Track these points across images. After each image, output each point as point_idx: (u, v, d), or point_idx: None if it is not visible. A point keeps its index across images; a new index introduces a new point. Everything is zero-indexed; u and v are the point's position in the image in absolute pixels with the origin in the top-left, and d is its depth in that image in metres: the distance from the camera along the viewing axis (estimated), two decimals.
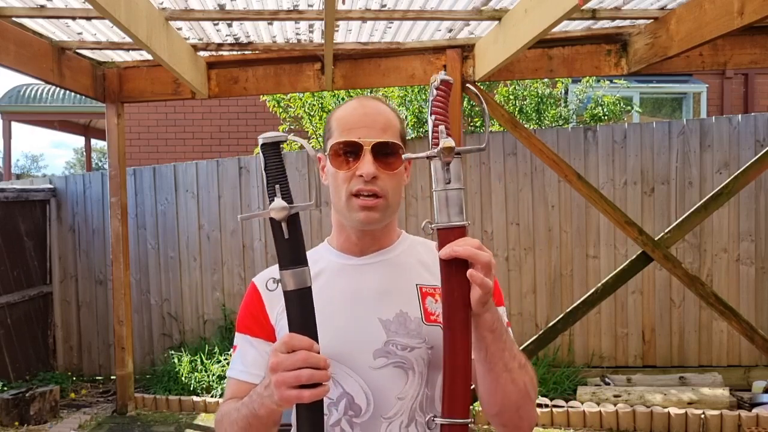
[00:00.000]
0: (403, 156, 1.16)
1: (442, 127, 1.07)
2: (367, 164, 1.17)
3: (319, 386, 1.00)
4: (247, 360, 1.26)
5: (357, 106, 1.24)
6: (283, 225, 1.03)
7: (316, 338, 1.04)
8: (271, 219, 1.03)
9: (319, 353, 1.02)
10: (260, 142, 1.03)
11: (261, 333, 1.26)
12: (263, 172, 1.03)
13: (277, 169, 1.03)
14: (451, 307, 1.07)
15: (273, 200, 1.02)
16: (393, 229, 1.30)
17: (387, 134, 1.20)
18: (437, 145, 1.07)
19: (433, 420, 1.10)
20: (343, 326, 1.19)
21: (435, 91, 1.08)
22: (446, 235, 1.07)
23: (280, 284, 1.05)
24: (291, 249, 1.04)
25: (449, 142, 1.07)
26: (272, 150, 1.03)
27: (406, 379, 1.17)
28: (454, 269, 1.05)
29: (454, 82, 1.12)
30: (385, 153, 1.19)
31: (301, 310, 1.05)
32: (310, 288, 1.05)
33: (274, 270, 1.30)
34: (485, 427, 4.48)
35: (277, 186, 1.02)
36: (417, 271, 1.26)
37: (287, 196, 1.03)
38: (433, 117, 1.08)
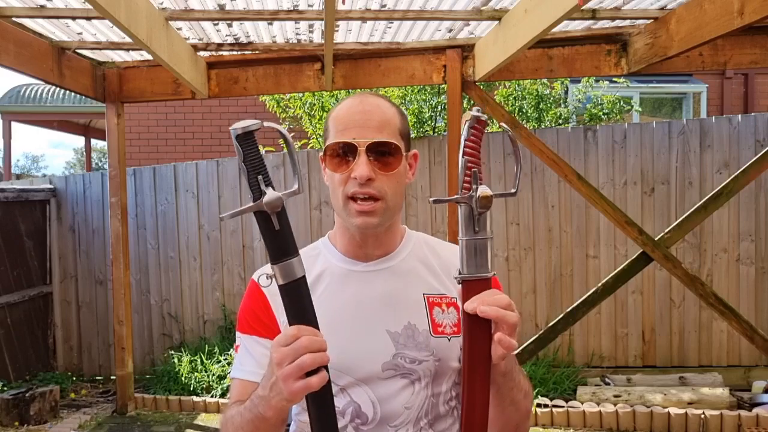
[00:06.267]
0: (430, 199, 1.10)
1: (475, 171, 1.03)
2: (361, 166, 1.12)
3: (322, 370, 0.98)
4: (255, 359, 1.20)
5: (353, 104, 1.19)
6: (273, 217, 0.98)
7: (317, 326, 1.01)
8: (259, 212, 0.98)
9: (324, 342, 0.99)
10: (233, 134, 0.95)
11: (266, 333, 1.20)
12: (242, 164, 0.96)
13: (256, 160, 0.96)
14: (472, 362, 1.05)
15: (260, 193, 0.96)
16: (396, 229, 1.26)
17: (384, 133, 1.14)
18: (468, 189, 1.03)
19: None
20: (350, 337, 1.17)
21: (468, 130, 1.03)
22: (472, 286, 1.04)
23: (273, 279, 1.01)
24: (284, 241, 0.99)
25: (486, 191, 1.02)
26: (248, 140, 0.96)
27: (413, 390, 1.16)
28: (477, 324, 1.03)
29: (488, 119, 1.07)
30: (381, 153, 1.14)
31: (300, 302, 1.01)
32: (304, 277, 1.01)
33: None
34: None
35: (260, 177, 0.96)
36: (422, 277, 1.23)
37: (270, 186, 0.97)
38: (465, 159, 1.03)
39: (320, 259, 1.25)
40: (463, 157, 1.03)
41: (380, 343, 1.16)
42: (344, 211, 1.17)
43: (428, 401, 1.17)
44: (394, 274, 1.22)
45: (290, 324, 1.01)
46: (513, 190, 1.08)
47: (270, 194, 0.96)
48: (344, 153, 1.15)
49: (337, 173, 1.16)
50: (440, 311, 1.19)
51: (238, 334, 1.25)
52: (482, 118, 1.03)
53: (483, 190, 1.02)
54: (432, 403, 1.18)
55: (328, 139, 1.18)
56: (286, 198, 0.98)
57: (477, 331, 1.03)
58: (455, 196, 1.04)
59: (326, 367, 0.99)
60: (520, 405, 1.15)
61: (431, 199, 1.10)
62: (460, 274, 1.06)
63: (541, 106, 6.65)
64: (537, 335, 4.42)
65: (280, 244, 0.99)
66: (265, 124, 0.98)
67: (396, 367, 1.16)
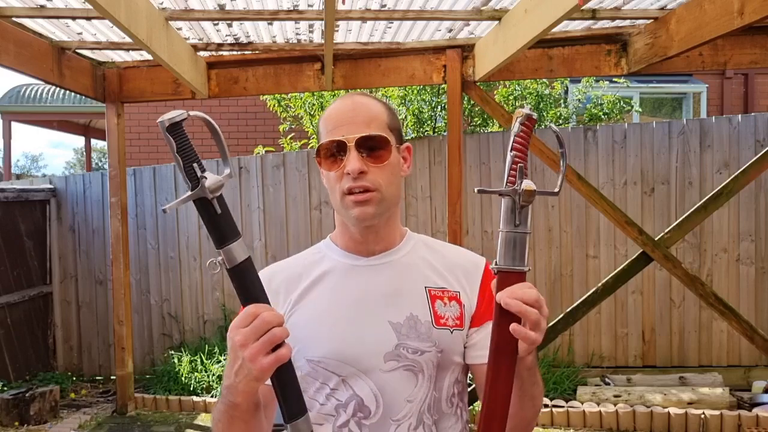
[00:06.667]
0: (476, 189, 1.14)
1: (521, 166, 1.06)
2: (352, 161, 1.16)
3: (285, 342, 0.99)
4: None
5: (341, 104, 1.23)
6: (214, 202, 0.98)
7: (268, 303, 1.03)
8: (200, 200, 0.98)
9: (282, 316, 1.01)
10: (161, 126, 0.96)
11: None
12: (175, 155, 0.97)
13: (188, 149, 0.97)
14: (498, 353, 1.06)
15: (198, 180, 0.97)
16: (396, 226, 1.28)
17: (371, 127, 1.18)
18: (513, 183, 1.06)
19: None
20: (352, 329, 1.18)
21: (519, 126, 1.07)
22: (505, 278, 1.07)
23: (221, 264, 1.01)
24: (226, 224, 1.00)
25: (530, 185, 1.05)
26: (177, 131, 0.97)
27: (415, 382, 1.17)
28: (506, 316, 1.04)
29: (537, 117, 1.12)
30: (370, 147, 1.17)
31: (250, 283, 1.02)
32: (250, 258, 1.02)
33: (274, 268, 1.30)
34: None
35: (195, 165, 0.97)
36: (424, 272, 1.25)
37: (205, 172, 0.99)
38: (513, 153, 1.07)
39: (323, 259, 1.28)
40: (511, 151, 1.07)
41: (382, 334, 1.18)
42: (342, 207, 1.20)
43: (431, 395, 1.18)
44: (396, 267, 1.24)
45: (244, 305, 1.01)
46: (556, 190, 1.10)
47: (210, 178, 0.97)
48: (336, 151, 1.18)
49: (332, 171, 1.19)
50: (442, 304, 1.21)
51: None
52: (533, 117, 1.07)
53: (527, 183, 1.05)
54: (435, 398, 1.19)
55: (320, 140, 1.22)
56: (224, 181, 1.00)
57: (505, 322, 1.04)
58: (500, 189, 1.06)
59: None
60: (536, 402, 1.17)
61: (476, 189, 1.12)
62: (496, 264, 1.08)
63: (541, 106, 6.65)
64: None
65: (224, 229, 1.00)
66: (191, 113, 0.99)
67: (398, 358, 1.17)
